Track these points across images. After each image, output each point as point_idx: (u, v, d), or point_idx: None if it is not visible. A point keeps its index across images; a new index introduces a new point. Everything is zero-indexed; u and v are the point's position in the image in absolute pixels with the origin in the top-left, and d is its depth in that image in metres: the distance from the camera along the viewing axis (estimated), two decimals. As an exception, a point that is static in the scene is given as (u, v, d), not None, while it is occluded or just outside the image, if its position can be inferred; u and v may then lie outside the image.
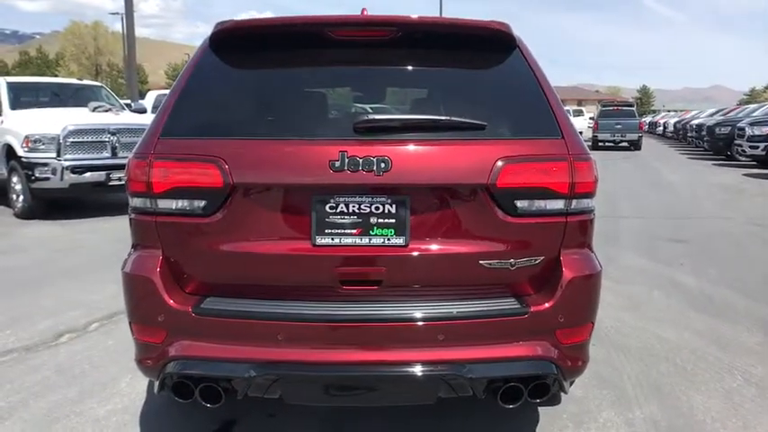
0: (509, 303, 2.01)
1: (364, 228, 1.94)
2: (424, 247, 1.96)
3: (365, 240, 1.94)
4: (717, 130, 17.93)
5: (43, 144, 7.37)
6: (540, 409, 2.68)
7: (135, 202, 2.05)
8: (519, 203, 1.97)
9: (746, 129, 14.60)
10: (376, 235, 1.94)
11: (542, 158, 1.99)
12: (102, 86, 9.90)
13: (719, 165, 15.83)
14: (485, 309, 1.96)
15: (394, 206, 1.94)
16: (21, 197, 7.66)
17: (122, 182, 7.82)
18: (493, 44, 2.20)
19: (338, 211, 1.94)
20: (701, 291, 4.56)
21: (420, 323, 1.92)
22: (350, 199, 1.94)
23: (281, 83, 2.17)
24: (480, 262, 1.97)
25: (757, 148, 14.22)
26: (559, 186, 1.98)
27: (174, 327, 1.97)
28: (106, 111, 8.30)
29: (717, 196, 9.76)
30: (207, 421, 2.58)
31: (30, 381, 3.02)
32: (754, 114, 17.56)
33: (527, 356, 1.97)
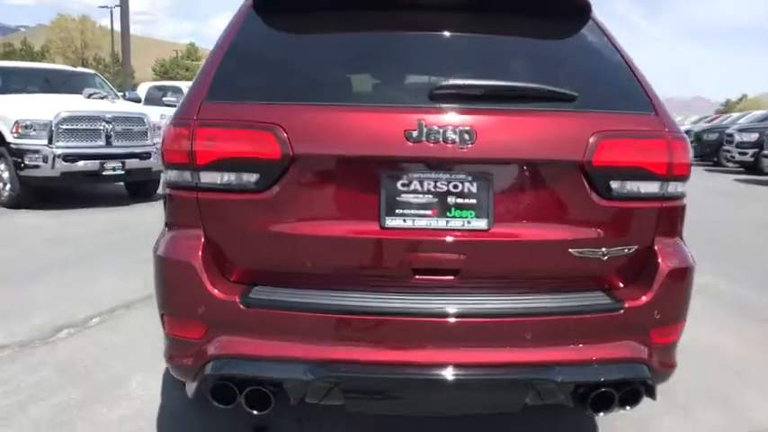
0: (600, 297, 1.77)
1: (441, 208, 1.69)
2: (508, 231, 1.71)
3: (441, 223, 1.69)
4: (704, 136, 18.28)
5: (34, 130, 7.00)
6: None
7: (172, 175, 1.77)
8: (614, 184, 1.73)
9: (735, 135, 14.88)
10: (454, 217, 1.69)
11: (640, 135, 1.77)
12: (95, 74, 9.53)
13: (709, 170, 15.98)
14: (577, 303, 1.72)
15: (475, 184, 1.69)
16: (8, 185, 7.27)
17: (117, 172, 7.56)
18: (569, 12, 2.00)
19: (411, 188, 1.68)
20: (734, 294, 4.38)
21: (505, 319, 1.67)
22: (425, 175, 1.68)
23: (344, 43, 1.91)
24: (569, 250, 1.73)
25: (746, 154, 14.53)
26: (657, 167, 1.76)
27: (216, 320, 1.70)
28: (101, 98, 7.95)
29: (718, 200, 9.68)
30: (235, 428, 2.30)
31: (28, 381, 2.70)
32: (740, 122, 18.02)
33: (621, 358, 1.75)
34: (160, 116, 9.84)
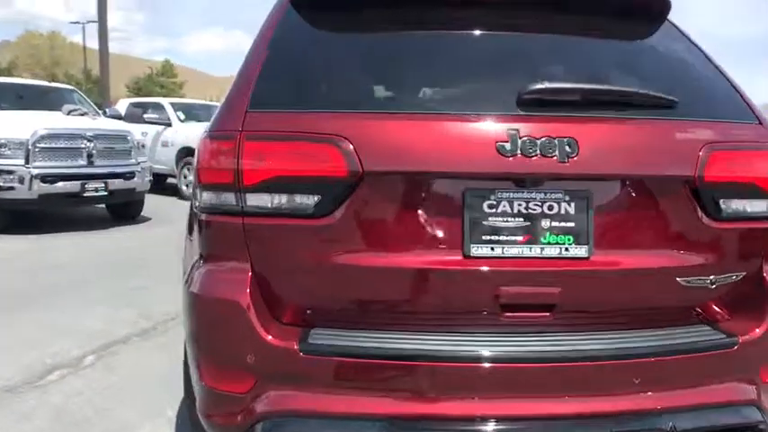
0: (711, 332, 1.56)
1: (534, 233, 1.46)
2: (610, 259, 1.49)
3: (535, 251, 1.46)
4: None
5: (9, 149, 6.53)
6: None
7: (208, 197, 1.50)
8: (723, 203, 1.54)
9: None
10: (549, 243, 1.46)
11: (751, 146, 1.58)
12: (74, 90, 9.09)
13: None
14: (690, 340, 1.51)
15: (572, 205, 1.47)
16: (-20, 209, 6.79)
17: (99, 193, 7.15)
18: (648, 13, 1.82)
19: (499, 210, 1.45)
20: None
21: (612, 362, 1.44)
22: (515, 195, 1.45)
23: (413, 41, 1.67)
24: (677, 279, 1.52)
25: None
26: (766, 183, 1.57)
27: (268, 371, 1.43)
28: (82, 114, 7.55)
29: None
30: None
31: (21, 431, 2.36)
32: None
33: (731, 401, 1.55)
34: (141, 134, 9.46)
